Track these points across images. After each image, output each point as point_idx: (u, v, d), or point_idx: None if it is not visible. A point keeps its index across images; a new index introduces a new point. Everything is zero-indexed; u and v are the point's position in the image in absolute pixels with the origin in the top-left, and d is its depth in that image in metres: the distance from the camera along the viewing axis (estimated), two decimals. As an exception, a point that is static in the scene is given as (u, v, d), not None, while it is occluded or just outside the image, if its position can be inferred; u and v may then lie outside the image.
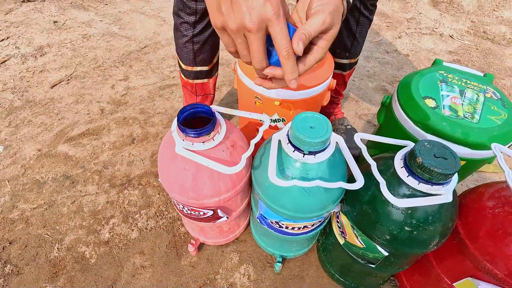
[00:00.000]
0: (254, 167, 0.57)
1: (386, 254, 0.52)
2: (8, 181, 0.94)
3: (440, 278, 0.57)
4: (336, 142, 0.51)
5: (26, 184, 0.93)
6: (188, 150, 0.48)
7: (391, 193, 0.45)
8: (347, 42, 0.80)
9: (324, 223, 0.64)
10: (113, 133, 1.09)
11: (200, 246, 0.80)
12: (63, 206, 0.88)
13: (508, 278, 0.45)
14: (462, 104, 0.59)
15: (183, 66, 0.85)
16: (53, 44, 1.54)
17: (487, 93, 0.61)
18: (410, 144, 0.49)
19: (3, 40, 1.54)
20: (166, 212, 0.87)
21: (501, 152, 0.48)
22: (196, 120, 0.52)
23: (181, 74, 0.89)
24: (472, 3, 2.02)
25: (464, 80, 0.64)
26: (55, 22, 1.71)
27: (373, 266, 0.58)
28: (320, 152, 0.48)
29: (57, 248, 0.79)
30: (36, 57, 1.45)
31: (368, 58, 1.57)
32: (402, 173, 0.46)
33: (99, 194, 0.91)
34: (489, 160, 0.61)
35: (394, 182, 0.47)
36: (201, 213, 0.58)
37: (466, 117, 0.57)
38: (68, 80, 1.33)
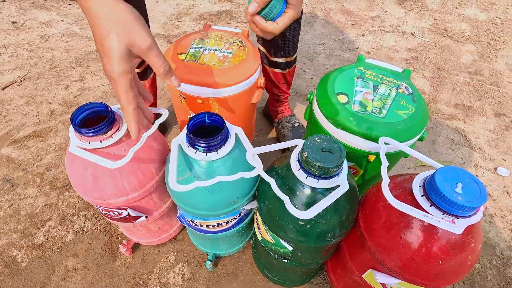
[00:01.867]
0: (166, 172, 0.57)
1: (290, 248, 0.53)
2: None
3: (352, 270, 0.58)
4: (236, 133, 0.51)
5: (-37, 188, 0.91)
6: (82, 148, 0.47)
7: (281, 190, 0.45)
8: (280, 42, 0.81)
9: (245, 221, 0.64)
10: (60, 134, 1.08)
11: (136, 246, 0.79)
12: (0, 210, 0.87)
13: (396, 268, 0.46)
14: (373, 99, 0.60)
15: None
16: (10, 45, 1.51)
17: (400, 88, 0.63)
18: (301, 143, 0.50)
19: (-44, 41, 1.51)
20: (105, 213, 0.86)
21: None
22: (103, 119, 0.52)
23: None
24: (436, 1, 2.06)
25: (380, 76, 0.65)
26: (14, 22, 1.68)
27: (286, 261, 0.58)
28: (218, 148, 0.48)
29: (-12, 253, 0.78)
30: (-10, 58, 1.42)
31: (329, 56, 1.58)
32: (295, 168, 0.47)
33: (38, 196, 0.89)
34: (403, 155, 0.63)
35: (289, 178, 0.47)
36: (116, 213, 0.58)
37: (374, 112, 0.58)
38: (21, 81, 1.31)
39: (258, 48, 0.86)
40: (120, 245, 0.74)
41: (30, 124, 1.11)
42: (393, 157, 0.62)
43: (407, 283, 0.47)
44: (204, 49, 0.70)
